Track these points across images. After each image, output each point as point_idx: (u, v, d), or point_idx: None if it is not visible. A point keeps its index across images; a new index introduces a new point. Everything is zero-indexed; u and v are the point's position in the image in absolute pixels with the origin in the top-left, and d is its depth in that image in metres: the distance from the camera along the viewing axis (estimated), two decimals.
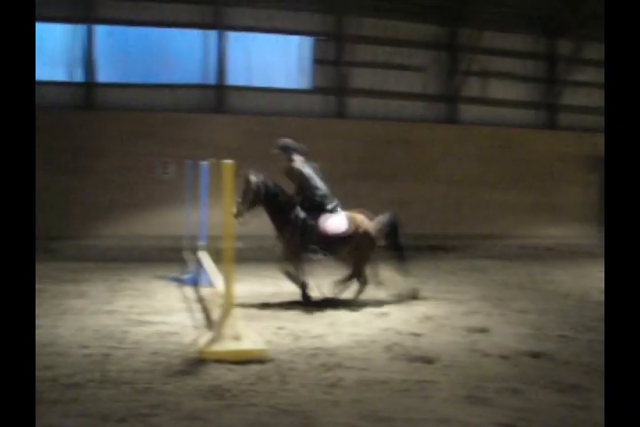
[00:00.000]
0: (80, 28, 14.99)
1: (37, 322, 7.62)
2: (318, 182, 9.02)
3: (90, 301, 8.92)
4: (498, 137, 17.47)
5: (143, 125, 14.90)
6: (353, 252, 8.98)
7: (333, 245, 8.87)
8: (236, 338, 6.21)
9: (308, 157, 9.27)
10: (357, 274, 9.09)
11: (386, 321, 7.95)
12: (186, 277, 10.33)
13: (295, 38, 16.24)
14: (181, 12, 15.36)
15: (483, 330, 7.50)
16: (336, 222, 8.86)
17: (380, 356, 6.43)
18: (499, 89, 17.84)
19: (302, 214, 8.79)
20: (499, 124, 17.72)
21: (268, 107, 15.92)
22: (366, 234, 9.00)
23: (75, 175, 14.71)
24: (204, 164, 10.16)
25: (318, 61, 16.31)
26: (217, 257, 7.91)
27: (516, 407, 4.93)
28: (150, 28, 15.40)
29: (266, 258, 11.23)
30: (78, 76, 15.20)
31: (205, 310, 8.20)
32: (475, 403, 5.03)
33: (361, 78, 16.60)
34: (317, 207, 8.89)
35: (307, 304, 8.80)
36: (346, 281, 9.14)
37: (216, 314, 6.87)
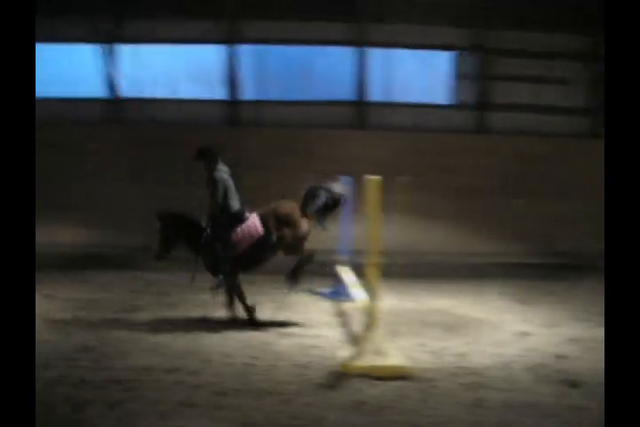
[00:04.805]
0: (227, 49, 15.51)
1: (182, 330, 7.94)
2: (233, 194, 8.58)
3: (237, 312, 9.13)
4: None
5: (287, 141, 15.18)
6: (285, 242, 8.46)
7: (257, 256, 8.47)
8: (379, 354, 6.20)
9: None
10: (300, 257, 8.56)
11: (530, 342, 7.70)
12: (329, 291, 10.41)
13: (436, 53, 16.14)
14: (323, 30, 15.60)
15: None
16: (248, 232, 8.36)
17: (525, 377, 6.24)
18: None
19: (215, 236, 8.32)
20: None
21: (408, 122, 15.88)
22: (289, 225, 8.44)
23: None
24: (348, 179, 10.24)
25: (460, 76, 16.13)
26: (362, 272, 7.93)
27: None
28: (292, 46, 15.74)
29: (408, 274, 11.21)
30: (225, 94, 15.71)
31: (348, 325, 8.24)
32: None
33: (503, 92, 16.27)
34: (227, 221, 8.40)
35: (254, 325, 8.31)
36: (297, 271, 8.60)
37: (359, 329, 6.88)
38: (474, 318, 8.98)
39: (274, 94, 15.85)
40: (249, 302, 8.45)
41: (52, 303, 9.52)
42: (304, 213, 8.59)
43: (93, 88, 15.69)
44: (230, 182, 8.59)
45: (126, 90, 15.69)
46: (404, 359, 6.41)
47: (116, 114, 15.71)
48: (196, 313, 8.91)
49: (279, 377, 6.11)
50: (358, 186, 9.67)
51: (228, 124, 15.64)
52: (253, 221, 8.41)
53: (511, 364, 6.67)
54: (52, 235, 14.32)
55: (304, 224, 8.53)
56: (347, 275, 9.70)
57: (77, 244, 14.68)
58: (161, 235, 8.42)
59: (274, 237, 8.38)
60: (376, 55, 15.69)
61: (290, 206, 8.63)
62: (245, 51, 15.66)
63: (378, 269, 6.41)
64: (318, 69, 15.89)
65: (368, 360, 6.17)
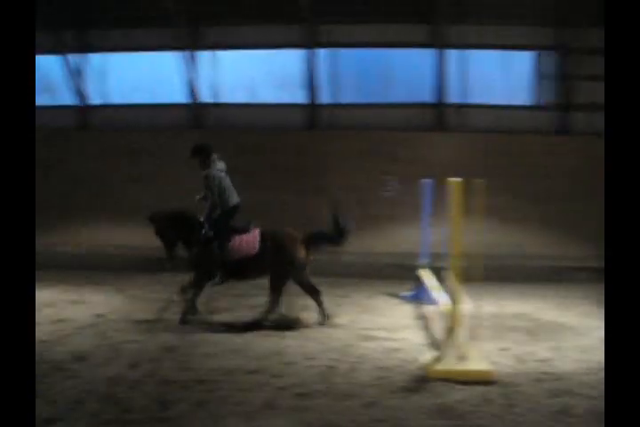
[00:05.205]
0: (306, 53, 15.62)
1: (266, 332, 8.04)
2: (231, 192, 8.57)
3: (315, 313, 9.19)
4: None
5: (367, 144, 15.20)
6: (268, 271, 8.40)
7: (244, 269, 8.40)
8: (462, 358, 6.15)
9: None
10: (273, 293, 8.43)
11: None
12: (410, 294, 10.38)
13: (517, 53, 15.88)
14: (402, 32, 15.54)
15: None
16: (246, 244, 8.34)
17: None
18: None
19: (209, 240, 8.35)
20: None
21: (489, 124, 15.68)
22: (283, 251, 8.35)
23: (300, 193, 15.28)
24: (428, 181, 10.21)
25: (541, 76, 15.84)
26: (444, 275, 7.88)
27: None
28: (371, 49, 15.74)
29: (490, 278, 11.04)
30: (305, 98, 15.83)
31: (430, 328, 8.20)
32: None
33: (585, 92, 15.90)
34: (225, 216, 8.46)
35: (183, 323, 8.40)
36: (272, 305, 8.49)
37: (441, 333, 6.84)
38: (558, 322, 8.82)
39: (353, 98, 15.90)
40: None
41: (136, 304, 9.80)
42: (306, 242, 8.53)
43: (176, 94, 16.04)
44: (226, 179, 8.59)
45: (207, 95, 15.99)
46: (487, 364, 6.34)
47: (198, 119, 16.02)
48: (275, 315, 9.01)
49: (361, 380, 6.13)
50: (438, 188, 9.63)
51: (308, 128, 15.76)
52: (254, 236, 8.41)
53: (597, 370, 6.51)
54: (132, 237, 14.72)
55: (300, 254, 8.46)
56: (428, 278, 9.65)
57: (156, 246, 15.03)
58: (161, 239, 8.53)
59: (266, 258, 8.34)
60: (455, 56, 15.55)
61: (291, 235, 8.55)
62: (325, 54, 15.74)
63: (459, 272, 6.36)
64: (397, 72, 15.84)
65: (451, 364, 6.13)
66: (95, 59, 16.27)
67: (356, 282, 11.98)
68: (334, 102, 15.76)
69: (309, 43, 15.40)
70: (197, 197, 8.78)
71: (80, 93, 16.16)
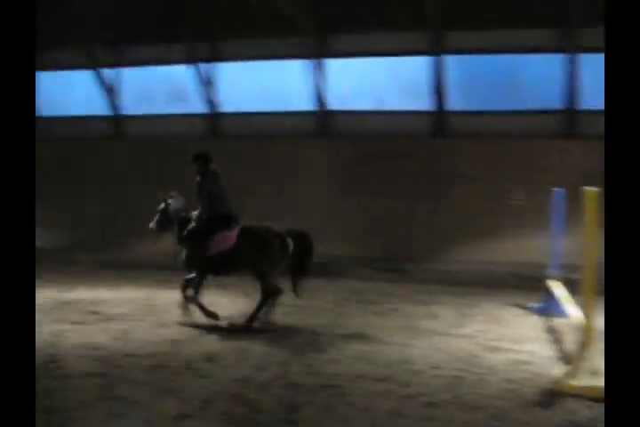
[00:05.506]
0: (433, 59, 15.52)
1: (389, 339, 8.04)
2: (221, 202, 8.77)
3: (440, 323, 9.12)
4: None
5: (494, 152, 14.95)
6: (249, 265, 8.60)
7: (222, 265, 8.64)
8: (595, 373, 5.95)
9: None
10: (264, 284, 8.55)
11: None
12: (539, 306, 10.10)
13: None
14: (531, 37, 15.19)
15: None
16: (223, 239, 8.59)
17: None
18: None
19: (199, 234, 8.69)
20: None
21: None
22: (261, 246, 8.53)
23: (424, 200, 15.20)
24: (560, 190, 9.94)
25: None
26: (575, 287, 7.65)
27: None
28: (499, 55, 15.45)
29: None
30: (432, 105, 15.73)
31: (560, 342, 7.97)
32: None
33: None
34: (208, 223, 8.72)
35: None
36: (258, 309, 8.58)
37: (573, 347, 6.65)
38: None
39: (481, 104, 15.67)
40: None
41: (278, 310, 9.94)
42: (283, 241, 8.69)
43: (303, 102, 16.31)
44: (219, 188, 8.86)
45: (334, 103, 16.16)
46: None
47: (325, 126, 16.22)
48: (400, 323, 9.00)
49: (489, 392, 6.03)
50: (571, 198, 9.35)
51: (434, 135, 15.67)
52: (234, 233, 8.63)
53: None
54: None
55: (276, 253, 8.61)
56: (558, 290, 9.38)
57: None
58: (159, 216, 9.17)
59: (245, 254, 8.54)
60: (588, 61, 15.05)
61: (271, 233, 8.71)
62: (451, 61, 15.60)
63: (593, 284, 6.15)
64: (525, 77, 15.49)
65: (583, 380, 5.94)
66: (225, 68, 16.79)
67: (481, 291, 11.78)
68: (462, 109, 15.60)
69: (436, 49, 15.30)
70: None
71: (210, 102, 16.71)
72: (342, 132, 16.15)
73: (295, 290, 8.77)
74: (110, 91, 17.46)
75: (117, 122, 17.75)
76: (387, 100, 16.12)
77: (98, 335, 7.98)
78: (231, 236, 8.62)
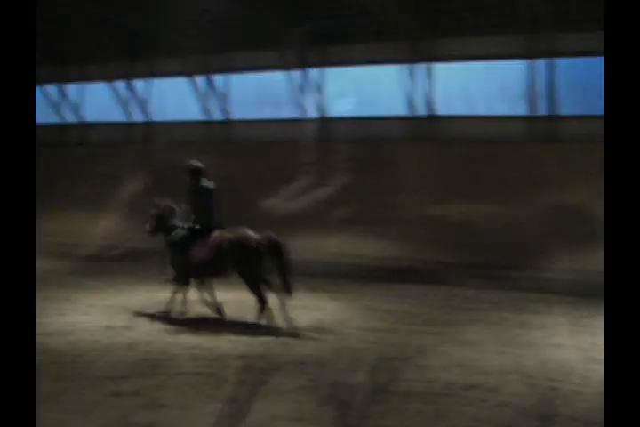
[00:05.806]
0: (539, 63, 15.22)
1: (485, 347, 7.92)
2: (203, 214, 9.14)
3: (550, 333, 8.92)
4: None
5: (591, 157, 14.42)
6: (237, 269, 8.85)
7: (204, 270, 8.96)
8: None
9: None
10: (256, 293, 8.75)
11: None
12: None
13: None
14: None
15: None
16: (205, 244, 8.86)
17: None
18: None
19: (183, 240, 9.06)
20: None
21: None
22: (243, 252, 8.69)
23: (522, 206, 14.84)
24: None
25: None
26: None
27: None
28: (593, 57, 15.02)
29: None
30: (540, 110, 15.42)
31: None
32: None
33: None
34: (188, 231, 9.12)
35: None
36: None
37: None
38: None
39: (575, 109, 15.30)
40: None
41: (372, 315, 9.96)
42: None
43: (399, 106, 16.29)
44: (205, 199, 9.24)
45: (433, 107, 16.07)
46: None
47: (425, 131, 16.12)
48: (498, 332, 8.90)
49: (583, 405, 5.90)
50: None
51: (529, 140, 15.36)
52: (214, 240, 8.87)
53: None
54: (358, 247, 15.08)
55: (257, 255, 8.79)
56: None
57: (384, 257, 15.33)
58: (155, 213, 9.51)
59: (226, 260, 8.79)
60: None
61: (252, 238, 8.81)
62: (545, 65, 15.29)
63: None
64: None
65: None
66: (331, 73, 16.95)
67: (588, 301, 11.38)
68: (574, 114, 15.22)
69: (534, 53, 15.01)
70: None
71: (320, 107, 16.89)
72: (442, 136, 16.03)
73: (288, 289, 8.81)
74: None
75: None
76: (480, 105, 16.01)
77: None
78: (211, 243, 8.88)
